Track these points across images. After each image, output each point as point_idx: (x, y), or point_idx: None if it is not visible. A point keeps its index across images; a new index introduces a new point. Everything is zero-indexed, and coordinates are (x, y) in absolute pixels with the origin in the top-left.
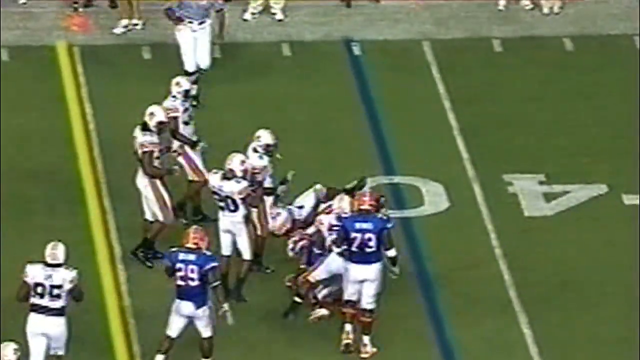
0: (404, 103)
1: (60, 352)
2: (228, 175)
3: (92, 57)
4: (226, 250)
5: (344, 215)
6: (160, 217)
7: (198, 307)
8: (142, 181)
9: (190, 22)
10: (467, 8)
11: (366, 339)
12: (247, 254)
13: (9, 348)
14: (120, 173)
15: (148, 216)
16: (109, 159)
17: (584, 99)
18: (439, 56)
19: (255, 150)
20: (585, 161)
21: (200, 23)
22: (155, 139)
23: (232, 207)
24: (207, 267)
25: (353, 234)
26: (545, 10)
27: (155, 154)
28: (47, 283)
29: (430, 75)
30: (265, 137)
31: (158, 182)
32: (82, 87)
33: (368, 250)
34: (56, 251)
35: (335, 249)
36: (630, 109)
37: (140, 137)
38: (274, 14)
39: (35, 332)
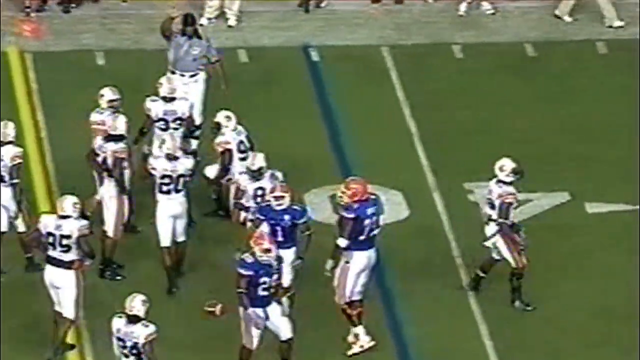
0: (364, 109)
1: (69, 316)
2: (171, 156)
3: (45, 63)
4: (166, 241)
5: (354, 207)
6: (110, 231)
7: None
8: (108, 191)
9: (182, 76)
10: (428, 13)
11: (361, 328)
12: (183, 236)
13: (137, 299)
14: (74, 180)
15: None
16: (61, 166)
17: (546, 106)
18: (399, 62)
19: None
20: (548, 169)
21: (192, 76)
22: (125, 146)
23: (179, 187)
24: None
25: (366, 221)
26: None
27: (124, 163)
28: (57, 233)
29: (390, 82)
30: (257, 160)
31: (125, 197)
32: (34, 93)
33: (372, 234)
34: (63, 204)
35: (342, 242)
36: (593, 116)
37: (112, 145)
38: (227, 19)
39: (49, 284)
